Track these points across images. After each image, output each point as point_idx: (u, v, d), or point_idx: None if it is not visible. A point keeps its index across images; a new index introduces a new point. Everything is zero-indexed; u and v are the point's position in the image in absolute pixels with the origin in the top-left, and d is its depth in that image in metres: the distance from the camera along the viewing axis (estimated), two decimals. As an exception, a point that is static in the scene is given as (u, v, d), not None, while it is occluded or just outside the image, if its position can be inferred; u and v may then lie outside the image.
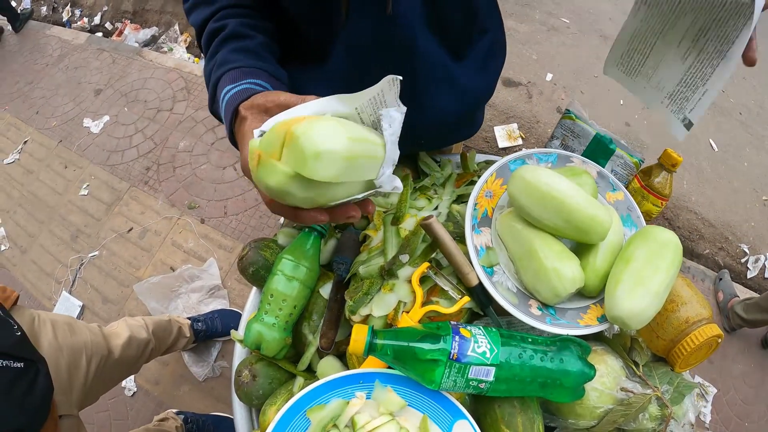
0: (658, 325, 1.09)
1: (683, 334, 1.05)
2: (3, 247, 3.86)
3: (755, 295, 3.09)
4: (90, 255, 3.59)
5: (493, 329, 0.95)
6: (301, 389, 0.99)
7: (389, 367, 0.99)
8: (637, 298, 0.98)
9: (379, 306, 1.05)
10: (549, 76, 4.21)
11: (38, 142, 4.46)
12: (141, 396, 2.97)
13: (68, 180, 4.08)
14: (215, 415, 2.77)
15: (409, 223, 1.16)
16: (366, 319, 1.06)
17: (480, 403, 1.01)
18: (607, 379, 1.04)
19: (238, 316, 3.02)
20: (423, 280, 1.08)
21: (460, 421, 0.94)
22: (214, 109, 1.02)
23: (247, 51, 1.03)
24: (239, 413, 1.23)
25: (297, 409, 0.95)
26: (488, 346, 0.90)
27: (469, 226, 1.08)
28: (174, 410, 2.66)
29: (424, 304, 1.04)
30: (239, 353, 1.29)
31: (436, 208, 1.22)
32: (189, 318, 2.81)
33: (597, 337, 1.11)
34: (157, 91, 4.42)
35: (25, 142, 4.50)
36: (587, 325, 1.03)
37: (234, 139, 0.95)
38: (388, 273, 1.07)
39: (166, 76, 4.50)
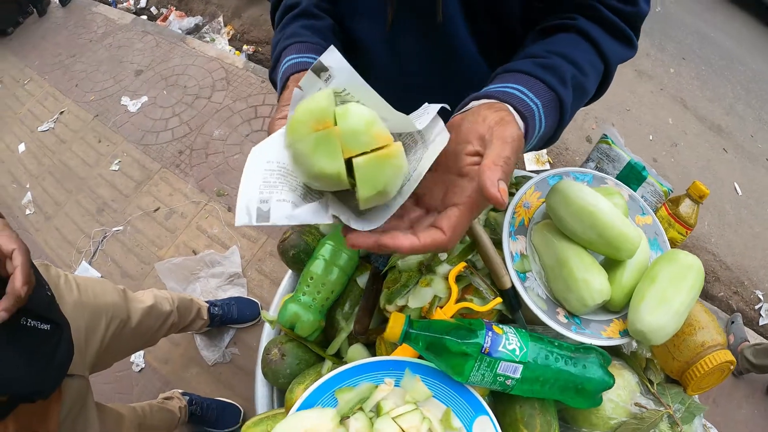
0: (675, 346, 1.13)
1: (698, 356, 1.09)
2: (28, 211, 3.92)
3: (765, 341, 3.11)
4: (114, 229, 3.64)
5: (523, 330, 0.99)
6: (329, 371, 1.03)
7: (419, 358, 1.03)
8: (659, 314, 1.02)
9: (416, 298, 1.09)
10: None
11: (74, 113, 4.53)
12: (148, 373, 3.01)
13: (100, 154, 4.14)
14: (220, 400, 2.79)
15: (447, 225, 1.20)
16: (401, 310, 1.10)
17: (500, 402, 1.05)
18: (623, 392, 1.08)
19: (255, 305, 3.07)
20: (458, 278, 1.12)
21: (482, 417, 0.97)
22: (272, 76, 1.09)
23: (315, 29, 1.11)
24: (260, 391, 1.27)
25: (326, 389, 0.99)
26: (518, 344, 0.94)
27: (507, 232, 1.12)
28: (180, 390, 2.70)
29: (457, 301, 1.08)
30: (267, 333, 1.34)
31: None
32: (207, 302, 2.84)
33: (615, 353, 1.15)
34: (197, 78, 4.47)
35: (62, 112, 4.58)
36: (609, 337, 1.07)
37: None
38: (426, 268, 1.12)
39: (208, 65, 4.56)
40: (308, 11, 1.15)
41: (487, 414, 0.98)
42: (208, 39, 4.98)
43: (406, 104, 1.26)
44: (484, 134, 0.73)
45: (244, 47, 4.85)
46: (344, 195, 0.69)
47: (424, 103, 1.25)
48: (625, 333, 1.09)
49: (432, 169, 0.70)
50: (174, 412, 2.48)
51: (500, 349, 0.93)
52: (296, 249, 1.28)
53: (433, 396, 1.00)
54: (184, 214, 3.60)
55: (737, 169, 4.21)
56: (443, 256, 1.14)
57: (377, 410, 0.97)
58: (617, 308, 1.12)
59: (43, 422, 1.31)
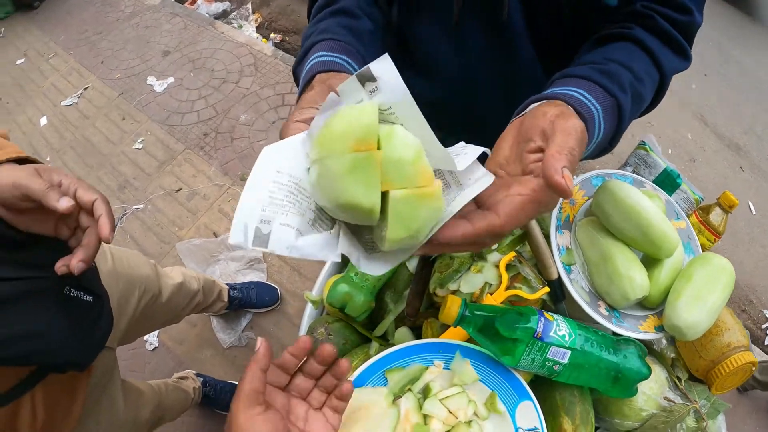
0: (702, 345, 1.18)
1: (724, 356, 1.15)
2: (47, 185, 3.92)
3: (772, 359, 3.14)
4: (134, 207, 3.66)
5: (569, 318, 1.04)
6: (377, 353, 1.06)
7: (467, 342, 1.07)
8: (695, 311, 1.07)
9: (468, 283, 1.13)
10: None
11: (99, 90, 4.55)
12: (162, 352, 3.03)
13: (124, 132, 4.17)
14: (234, 384, 2.79)
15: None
16: (446, 296, 1.14)
17: (541, 389, 1.08)
18: (654, 386, 1.13)
19: (275, 290, 3.08)
20: (508, 267, 1.15)
21: (525, 402, 1.01)
22: (296, 70, 1.00)
23: (352, 30, 1.03)
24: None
25: (377, 368, 1.03)
26: (567, 331, 0.99)
27: (554, 226, 1.16)
28: (194, 372, 2.71)
29: (507, 288, 1.12)
30: (309, 314, 1.37)
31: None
32: (226, 284, 2.85)
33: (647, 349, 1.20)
34: (225, 63, 4.49)
35: (86, 88, 4.59)
36: (646, 331, 1.11)
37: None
38: (478, 255, 1.16)
39: (236, 50, 4.57)
40: (348, 9, 1.07)
41: (531, 399, 1.01)
42: (235, 25, 5.00)
43: (465, 99, 1.29)
44: (545, 128, 0.71)
45: (272, 35, 4.87)
46: (359, 227, 0.64)
47: (482, 100, 1.28)
48: (660, 328, 1.14)
49: (495, 175, 0.67)
50: (188, 392, 2.50)
51: (551, 334, 0.97)
52: None
53: (480, 380, 1.03)
54: (206, 196, 3.62)
55: (753, 188, 4.25)
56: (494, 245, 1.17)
57: (425, 392, 1.01)
58: (653, 305, 1.17)
59: (71, 394, 1.31)
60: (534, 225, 1.16)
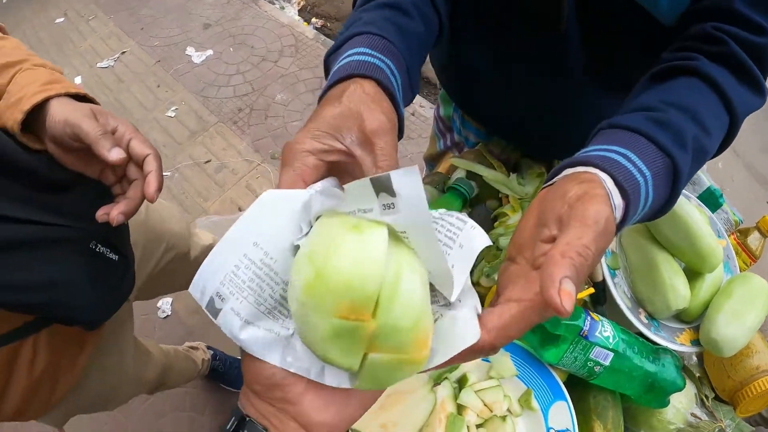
0: (732, 365, 1.18)
1: (752, 378, 1.14)
2: (78, 144, 3.96)
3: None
4: (162, 174, 3.64)
5: (612, 321, 1.04)
6: None
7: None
8: (733, 327, 1.08)
9: None
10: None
11: (136, 55, 4.58)
12: (173, 321, 3.05)
13: (158, 98, 4.20)
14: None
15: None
16: (494, 286, 1.14)
17: (575, 391, 1.08)
18: (684, 400, 1.13)
19: None
20: (554, 263, 1.16)
21: (559, 402, 1.02)
22: (330, 59, 0.84)
23: (401, 29, 0.87)
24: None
25: None
26: (612, 333, 0.99)
27: None
28: (205, 344, 2.73)
29: None
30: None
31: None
32: None
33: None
34: (266, 41, 4.51)
35: (123, 52, 4.62)
36: (682, 344, 1.12)
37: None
38: (527, 250, 1.16)
39: (278, 30, 4.59)
40: (400, 5, 0.90)
41: (565, 400, 1.02)
42: (278, 6, 5.01)
43: (508, 108, 1.28)
44: (562, 214, 0.57)
45: (313, 20, 4.89)
46: None
47: (527, 112, 1.26)
48: (695, 342, 1.14)
49: (513, 260, 0.59)
50: (197, 363, 2.50)
51: (596, 334, 0.97)
52: None
53: (516, 376, 1.04)
54: (235, 170, 3.64)
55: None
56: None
57: (461, 381, 1.02)
58: (690, 318, 1.18)
59: (79, 345, 1.30)
60: None
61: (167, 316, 3.06)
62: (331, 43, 4.18)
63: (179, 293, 2.54)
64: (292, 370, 0.53)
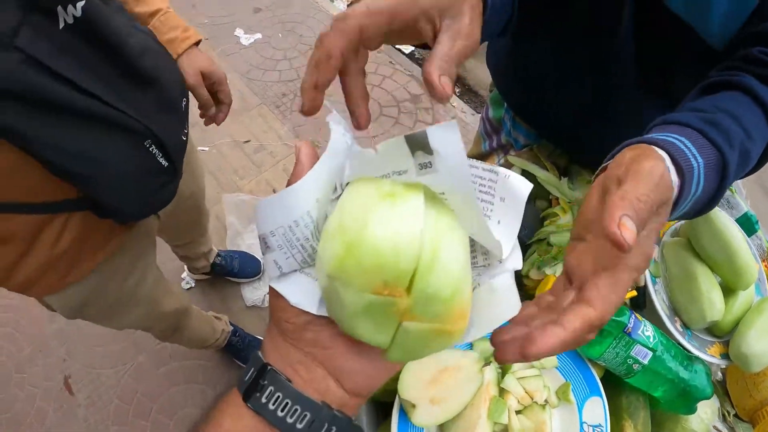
0: (755, 384, 1.22)
1: (773, 399, 1.19)
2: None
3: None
4: (199, 148, 3.68)
5: (652, 324, 1.09)
6: None
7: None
8: (763, 343, 1.11)
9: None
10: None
11: (184, 31, 4.61)
12: (195, 293, 3.09)
13: (203, 75, 4.21)
14: (260, 340, 2.80)
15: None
16: (544, 278, 1.19)
17: (608, 389, 1.10)
18: (709, 411, 1.17)
19: (257, 262, 3.13)
20: (599, 264, 1.20)
21: (594, 398, 1.05)
22: None
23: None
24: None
25: None
26: (652, 333, 1.03)
27: None
28: (227, 319, 2.75)
29: None
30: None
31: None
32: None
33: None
34: (315, 31, 4.54)
35: (172, 27, 4.65)
36: (712, 355, 1.15)
37: None
38: (576, 247, 1.21)
39: (328, 22, 4.33)
40: None
41: (601, 396, 1.05)
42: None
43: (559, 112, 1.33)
44: (620, 176, 0.58)
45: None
46: None
47: (578, 121, 1.31)
48: (724, 356, 1.18)
49: (582, 239, 0.57)
50: (216, 331, 2.52)
51: (639, 332, 1.01)
52: None
53: (557, 368, 1.08)
54: (273, 153, 3.68)
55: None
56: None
57: (504, 367, 1.05)
58: (720, 333, 1.21)
59: (105, 240, 1.35)
60: None
61: (191, 287, 3.11)
62: (376, 39, 4.25)
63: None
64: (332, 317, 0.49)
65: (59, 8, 0.95)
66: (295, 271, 0.51)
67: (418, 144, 0.44)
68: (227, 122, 3.73)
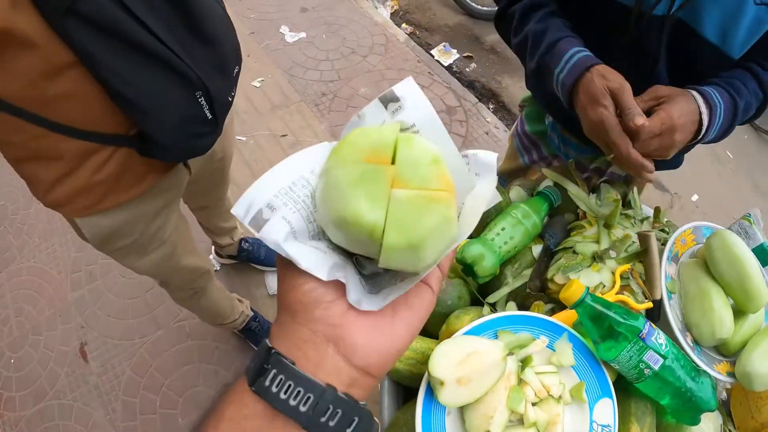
0: (757, 407, 1.27)
1: (773, 421, 1.24)
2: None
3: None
4: (237, 137, 3.79)
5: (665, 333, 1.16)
6: (489, 314, 1.18)
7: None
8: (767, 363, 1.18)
9: (586, 278, 1.25)
10: (695, 197, 4.31)
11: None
12: (220, 276, 3.13)
13: (246, 67, 4.14)
14: None
15: (617, 232, 1.37)
16: (568, 281, 1.26)
17: (618, 393, 1.15)
18: (711, 426, 1.22)
19: None
20: (621, 276, 1.28)
21: (605, 399, 1.10)
22: (544, 60, 1.29)
23: (570, 29, 1.33)
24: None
25: (491, 326, 1.15)
26: (664, 341, 1.09)
27: (666, 256, 1.28)
28: (249, 304, 2.80)
29: (617, 293, 1.24)
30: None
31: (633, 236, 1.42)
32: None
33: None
34: (358, 35, 4.64)
35: (218, 17, 4.76)
36: (719, 372, 1.22)
37: (571, 96, 1.25)
38: (599, 258, 1.29)
39: (371, 28, 4.72)
40: (556, 12, 1.37)
41: (611, 398, 1.10)
42: (371, 4, 5.17)
43: None
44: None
45: (403, 25, 5.01)
46: (358, 259, 0.59)
47: None
48: (730, 374, 1.24)
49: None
50: (235, 310, 2.58)
51: (652, 339, 1.08)
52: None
53: (573, 367, 1.14)
54: (309, 150, 3.73)
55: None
56: (613, 254, 1.30)
57: (524, 360, 1.11)
58: (728, 352, 1.27)
59: (140, 177, 1.47)
60: (654, 243, 1.29)
61: (215, 270, 3.14)
62: (419, 48, 4.32)
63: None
64: (342, 280, 0.51)
65: None
66: (297, 239, 0.53)
67: (388, 98, 0.55)
68: (266, 116, 3.92)
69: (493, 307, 1.34)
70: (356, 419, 0.49)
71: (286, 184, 0.54)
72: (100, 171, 1.34)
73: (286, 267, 0.51)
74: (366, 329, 0.51)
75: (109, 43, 1.10)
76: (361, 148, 0.50)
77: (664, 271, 1.27)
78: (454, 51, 4.74)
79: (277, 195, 0.53)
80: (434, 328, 1.33)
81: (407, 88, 0.56)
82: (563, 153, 1.75)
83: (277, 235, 0.50)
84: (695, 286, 1.28)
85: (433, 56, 4.56)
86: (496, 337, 1.15)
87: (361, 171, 0.48)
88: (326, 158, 0.53)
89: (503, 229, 1.35)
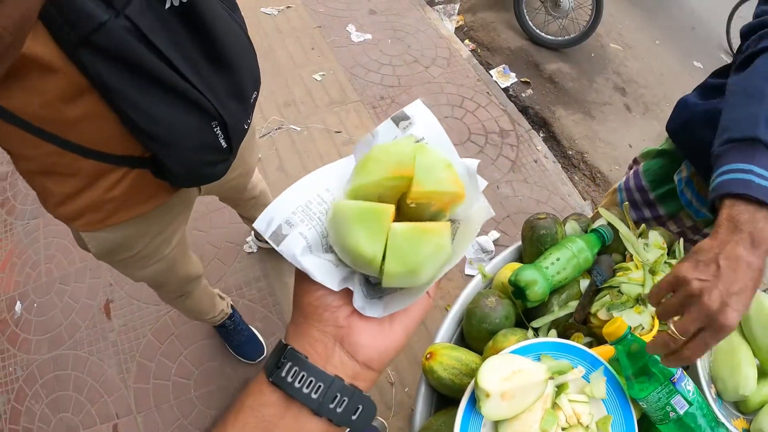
0: None
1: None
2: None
3: None
4: (291, 126, 3.91)
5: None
6: (533, 338, 1.25)
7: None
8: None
9: (628, 317, 1.31)
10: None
11: (299, 14, 4.84)
12: (254, 258, 3.25)
13: (309, 59, 4.44)
14: (252, 331, 2.96)
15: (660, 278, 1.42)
16: (612, 319, 1.32)
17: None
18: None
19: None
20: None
21: None
22: (739, 115, 1.05)
23: None
24: (447, 325, 1.54)
25: (535, 349, 1.22)
26: (692, 389, 1.15)
27: None
28: (230, 301, 2.84)
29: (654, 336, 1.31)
30: (475, 284, 1.59)
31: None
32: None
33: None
34: (422, 45, 4.70)
35: (289, 7, 4.89)
36: (735, 427, 1.25)
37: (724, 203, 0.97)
38: (642, 301, 1.35)
39: (436, 39, 4.76)
40: None
41: None
42: (438, 16, 5.20)
43: None
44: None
45: (466, 42, 5.06)
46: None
47: None
48: (746, 431, 1.29)
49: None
50: (215, 307, 2.61)
51: (682, 384, 1.13)
52: (548, 232, 1.49)
53: (603, 400, 1.19)
54: (362, 150, 3.80)
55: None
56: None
57: (561, 386, 1.17)
58: (747, 410, 1.32)
59: (149, 197, 1.48)
60: None
61: (251, 252, 3.26)
62: (480, 67, 4.36)
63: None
64: (351, 288, 0.58)
65: None
66: (312, 253, 0.58)
67: (399, 117, 0.62)
68: (323, 110, 4.04)
69: (536, 332, 1.40)
70: (360, 407, 0.57)
71: (304, 201, 0.59)
72: (113, 189, 1.36)
73: (302, 274, 0.58)
74: (368, 331, 0.58)
75: (125, 74, 1.12)
76: (387, 162, 0.54)
77: (700, 321, 1.33)
78: (513, 74, 4.78)
79: (295, 212, 0.58)
80: (479, 344, 1.41)
81: (417, 108, 0.63)
82: (694, 209, 1.64)
83: (294, 249, 0.56)
84: (726, 342, 1.32)
85: (491, 76, 4.60)
86: (538, 359, 1.21)
87: (361, 209, 0.53)
88: (352, 174, 0.59)
89: (558, 259, 1.41)
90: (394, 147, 0.56)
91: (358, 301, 0.58)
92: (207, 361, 2.88)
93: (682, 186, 1.65)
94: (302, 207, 0.59)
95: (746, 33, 1.20)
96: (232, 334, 2.86)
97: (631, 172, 1.87)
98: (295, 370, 0.54)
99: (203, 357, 2.90)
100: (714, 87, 1.44)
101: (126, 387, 2.80)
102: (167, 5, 1.12)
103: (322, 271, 0.57)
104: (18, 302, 3.09)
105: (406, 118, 0.62)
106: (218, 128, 1.34)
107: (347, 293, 0.58)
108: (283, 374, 0.54)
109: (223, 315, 2.71)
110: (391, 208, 0.53)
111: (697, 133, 1.44)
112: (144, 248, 1.66)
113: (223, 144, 1.39)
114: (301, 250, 0.56)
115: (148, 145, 1.28)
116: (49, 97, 1.11)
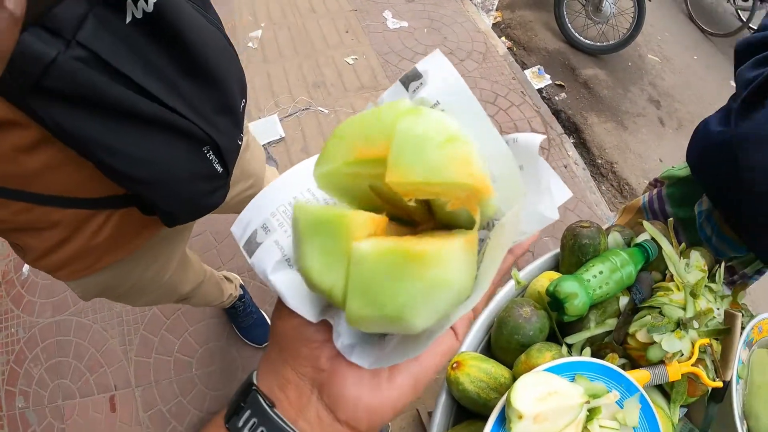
0: None
1: None
2: (250, 44, 4.25)
3: None
4: (319, 108, 3.86)
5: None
6: (566, 356, 1.20)
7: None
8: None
9: (668, 342, 1.24)
10: None
11: (336, -4, 4.81)
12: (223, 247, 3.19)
13: (342, 42, 4.39)
14: (262, 315, 2.90)
15: (702, 303, 1.36)
16: (653, 344, 1.28)
17: None
18: None
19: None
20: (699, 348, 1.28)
21: None
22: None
23: None
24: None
25: (570, 368, 1.15)
26: None
27: (742, 340, 1.28)
28: (241, 281, 2.79)
29: (692, 364, 1.25)
30: (507, 291, 1.53)
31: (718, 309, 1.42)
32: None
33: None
34: (458, 37, 4.64)
35: (324, -13, 4.83)
36: None
37: None
38: (683, 325, 1.29)
39: (473, 33, 4.70)
40: None
41: None
42: (476, 10, 5.14)
43: None
44: None
45: (503, 39, 5.00)
46: None
47: None
48: None
49: None
50: (224, 293, 2.51)
51: None
52: (591, 242, 1.43)
53: (634, 428, 1.13)
54: (387, 135, 3.76)
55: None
56: (696, 324, 1.30)
57: (593, 411, 1.12)
58: None
59: (141, 231, 1.33)
60: (738, 325, 1.28)
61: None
62: (518, 67, 4.32)
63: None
64: (331, 322, 0.46)
65: (129, 1, 0.92)
66: (291, 266, 0.48)
67: (409, 77, 0.47)
68: (352, 94, 3.97)
69: (569, 349, 1.34)
70: None
71: (288, 200, 0.49)
72: (97, 235, 1.21)
73: None
74: (356, 381, 0.45)
75: (90, 116, 0.94)
76: (351, 142, 0.39)
77: (738, 354, 1.27)
78: (548, 76, 4.72)
79: (274, 213, 0.48)
80: (507, 355, 1.35)
81: (432, 61, 0.46)
82: (713, 248, 1.57)
83: (265, 264, 0.46)
84: (764, 376, 1.28)
85: (526, 76, 4.53)
86: (573, 379, 1.15)
87: (316, 219, 0.39)
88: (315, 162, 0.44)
89: (601, 272, 1.35)
90: (369, 116, 0.40)
91: (344, 337, 0.45)
92: (212, 341, 2.86)
93: (701, 219, 1.57)
94: (284, 207, 0.49)
95: (742, 50, 1.22)
96: (241, 316, 2.82)
97: (655, 192, 1.78)
98: (254, 423, 0.44)
99: (209, 336, 2.87)
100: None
101: (127, 359, 2.79)
102: (128, 19, 0.94)
103: (298, 294, 0.45)
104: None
105: (417, 76, 0.46)
106: (210, 153, 1.20)
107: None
108: (240, 424, 0.44)
109: (232, 299, 2.64)
110: (360, 216, 0.38)
111: (714, 168, 1.37)
112: (138, 281, 1.52)
113: (219, 169, 1.24)
114: (274, 265, 0.46)
115: (130, 189, 1.12)
116: (5, 151, 0.95)
